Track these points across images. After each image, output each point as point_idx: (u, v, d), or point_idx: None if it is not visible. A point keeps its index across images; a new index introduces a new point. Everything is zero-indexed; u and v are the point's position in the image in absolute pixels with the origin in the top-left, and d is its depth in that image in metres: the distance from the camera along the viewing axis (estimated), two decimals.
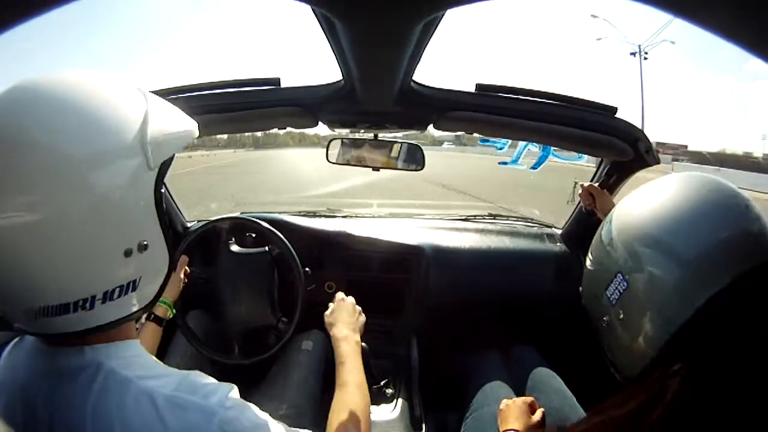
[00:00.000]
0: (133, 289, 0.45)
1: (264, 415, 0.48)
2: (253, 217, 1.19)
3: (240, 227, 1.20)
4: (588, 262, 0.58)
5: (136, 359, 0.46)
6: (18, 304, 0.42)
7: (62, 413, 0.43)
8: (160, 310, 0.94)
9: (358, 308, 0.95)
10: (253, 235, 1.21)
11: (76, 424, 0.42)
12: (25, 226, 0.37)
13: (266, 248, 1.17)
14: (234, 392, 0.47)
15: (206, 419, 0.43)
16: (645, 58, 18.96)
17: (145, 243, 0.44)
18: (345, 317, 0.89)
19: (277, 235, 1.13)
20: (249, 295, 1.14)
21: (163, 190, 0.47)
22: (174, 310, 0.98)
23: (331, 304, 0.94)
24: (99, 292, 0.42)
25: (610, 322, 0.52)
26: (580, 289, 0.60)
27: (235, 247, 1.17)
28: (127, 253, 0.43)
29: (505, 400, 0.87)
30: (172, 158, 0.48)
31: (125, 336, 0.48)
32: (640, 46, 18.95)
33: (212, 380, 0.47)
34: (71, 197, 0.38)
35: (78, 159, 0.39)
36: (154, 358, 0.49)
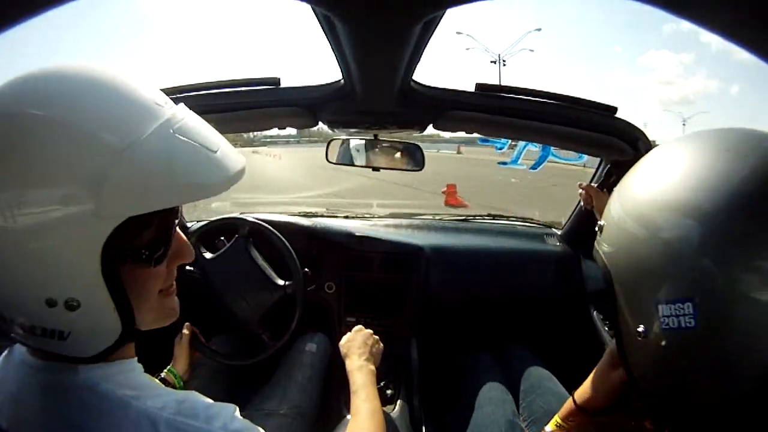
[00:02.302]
0: (59, 339, 0.38)
1: None
2: (253, 218, 1.19)
3: (239, 227, 1.20)
4: (637, 239, 0.41)
5: (132, 379, 0.44)
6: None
7: (57, 427, 0.40)
8: (169, 377, 0.95)
9: (376, 337, 0.96)
10: (252, 239, 1.21)
11: None
12: None
13: (286, 283, 1.17)
14: (236, 413, 0.45)
15: None
16: (504, 65, 24.58)
17: (75, 302, 0.36)
18: (359, 346, 0.89)
19: (277, 236, 1.13)
20: (249, 292, 1.14)
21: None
22: (181, 383, 0.96)
23: (348, 334, 0.95)
24: (16, 319, 0.37)
25: (647, 341, 0.40)
26: (609, 263, 0.45)
27: (255, 253, 1.18)
28: (50, 303, 0.35)
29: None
30: (159, 213, 0.37)
31: (121, 356, 0.44)
32: (500, 55, 24.51)
33: (212, 402, 0.45)
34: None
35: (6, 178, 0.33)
36: (150, 377, 0.47)
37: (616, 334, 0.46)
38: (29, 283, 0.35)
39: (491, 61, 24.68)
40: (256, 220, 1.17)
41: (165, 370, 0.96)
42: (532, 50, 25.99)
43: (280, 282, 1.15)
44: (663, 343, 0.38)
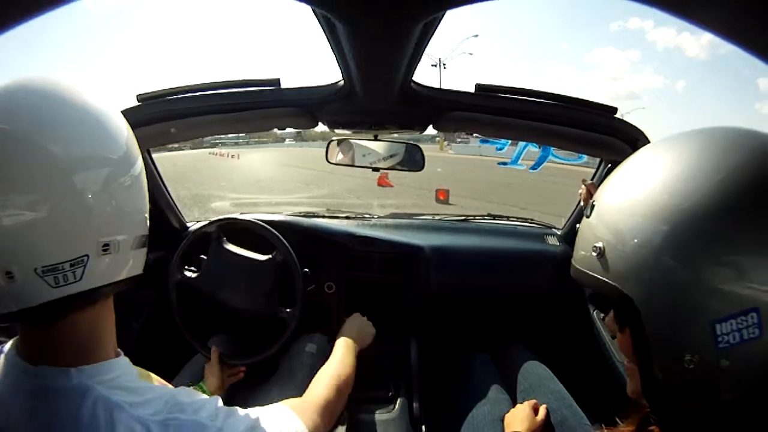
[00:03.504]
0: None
1: (253, 414, 0.50)
2: (253, 218, 1.19)
3: (239, 228, 1.19)
4: (670, 262, 0.37)
5: (124, 381, 0.45)
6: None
7: (43, 429, 0.41)
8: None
9: (368, 322, 1.07)
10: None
11: None
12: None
13: (271, 254, 1.16)
14: (219, 403, 0.48)
15: None
16: (444, 68, 26.56)
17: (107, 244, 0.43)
18: (348, 328, 0.99)
19: (276, 236, 1.13)
20: (249, 293, 1.14)
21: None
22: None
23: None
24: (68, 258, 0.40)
25: (701, 364, 0.36)
26: (632, 291, 0.39)
27: (231, 247, 1.17)
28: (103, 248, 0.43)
29: (512, 410, 0.94)
30: None
31: (108, 354, 0.47)
32: (440, 59, 26.32)
33: (198, 396, 0.48)
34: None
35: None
36: (139, 370, 0.49)
37: (644, 366, 0.40)
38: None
39: (432, 65, 26.64)
40: (256, 221, 1.17)
41: (196, 386, 0.96)
42: (471, 53, 28.32)
43: (266, 257, 1.14)
44: (725, 362, 0.35)
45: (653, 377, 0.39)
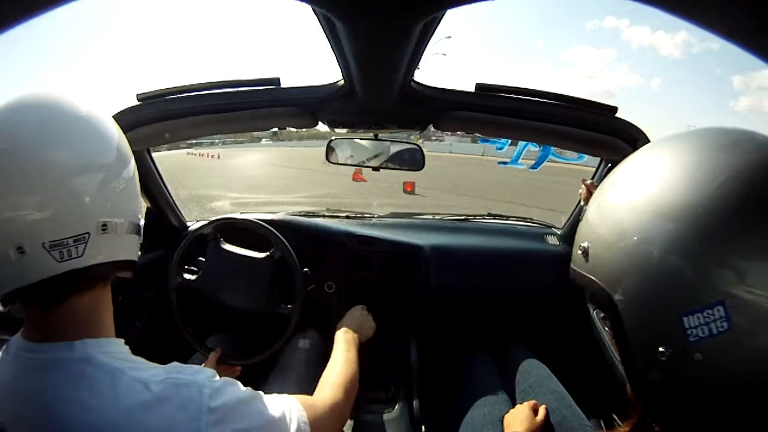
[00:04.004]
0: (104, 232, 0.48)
1: (247, 389, 0.53)
2: (251, 218, 1.19)
3: (237, 228, 1.19)
4: (647, 254, 0.38)
5: (125, 353, 0.50)
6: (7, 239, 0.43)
7: (50, 404, 0.43)
8: None
9: (369, 315, 1.06)
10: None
11: (66, 413, 0.43)
12: None
13: (269, 252, 1.16)
14: (216, 377, 0.51)
15: (198, 392, 0.47)
16: (418, 68, 26.84)
17: (105, 224, 0.48)
18: (348, 321, 0.99)
19: (273, 233, 1.13)
20: (249, 292, 1.14)
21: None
22: None
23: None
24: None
25: (674, 357, 0.37)
26: (610, 286, 0.41)
27: (229, 247, 1.17)
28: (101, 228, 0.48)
29: (512, 410, 0.93)
30: None
31: (108, 333, 0.50)
32: None
33: (196, 366, 0.52)
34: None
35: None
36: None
37: (627, 363, 0.41)
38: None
39: None
40: (256, 221, 1.17)
41: None
42: (444, 54, 28.78)
43: (264, 255, 1.14)
44: (698, 355, 0.36)
45: (635, 373, 0.41)
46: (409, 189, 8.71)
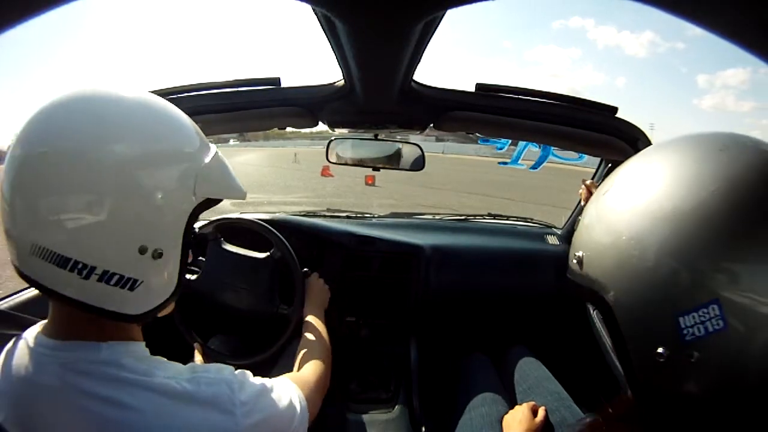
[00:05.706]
0: (130, 288, 0.45)
1: (257, 379, 0.56)
2: (251, 217, 1.19)
3: (238, 228, 1.19)
4: (641, 257, 0.38)
5: (149, 356, 0.51)
6: (24, 235, 0.42)
7: (84, 403, 0.43)
8: None
9: (321, 280, 1.12)
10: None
11: (103, 411, 0.43)
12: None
13: (269, 252, 1.15)
14: (236, 372, 0.54)
15: (228, 388, 0.49)
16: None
17: (160, 252, 0.46)
18: (312, 299, 1.05)
19: (273, 233, 1.13)
20: (249, 292, 1.14)
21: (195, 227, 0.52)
22: None
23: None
24: (100, 267, 0.43)
25: (672, 358, 0.37)
26: (605, 289, 0.42)
27: (230, 247, 1.16)
28: (141, 251, 0.45)
29: (511, 411, 0.93)
30: (214, 202, 0.52)
31: (135, 337, 0.51)
32: None
33: (213, 364, 0.54)
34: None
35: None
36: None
37: (625, 365, 0.41)
38: (132, 231, 0.44)
39: None
40: (256, 221, 1.16)
41: None
42: None
43: (264, 254, 1.13)
44: (696, 354, 0.36)
45: (634, 374, 0.41)
46: (370, 182, 10.01)
